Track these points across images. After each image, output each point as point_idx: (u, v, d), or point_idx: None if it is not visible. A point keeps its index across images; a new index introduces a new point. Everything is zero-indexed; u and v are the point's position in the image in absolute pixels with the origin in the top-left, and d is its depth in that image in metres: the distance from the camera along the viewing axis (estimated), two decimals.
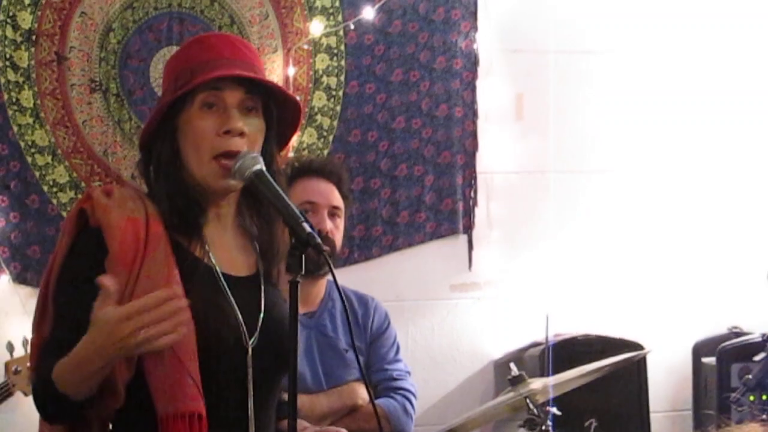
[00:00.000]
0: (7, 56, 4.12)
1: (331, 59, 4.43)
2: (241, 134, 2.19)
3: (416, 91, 4.51)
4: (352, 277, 4.01)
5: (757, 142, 4.84)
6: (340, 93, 4.44)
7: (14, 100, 4.13)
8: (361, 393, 3.31)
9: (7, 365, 3.63)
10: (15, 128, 4.14)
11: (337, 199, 3.37)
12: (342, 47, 4.43)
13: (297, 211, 2.08)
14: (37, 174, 4.16)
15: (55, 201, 4.17)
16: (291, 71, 4.35)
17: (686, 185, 4.78)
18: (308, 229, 2.03)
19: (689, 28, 4.77)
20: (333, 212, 3.35)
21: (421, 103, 4.52)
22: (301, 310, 2.95)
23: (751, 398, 3.96)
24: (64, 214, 4.10)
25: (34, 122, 4.15)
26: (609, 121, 4.73)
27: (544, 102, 4.67)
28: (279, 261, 2.30)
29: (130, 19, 4.22)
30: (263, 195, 2.15)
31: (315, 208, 3.31)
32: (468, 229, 4.59)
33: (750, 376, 3.90)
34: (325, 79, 4.42)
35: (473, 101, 4.58)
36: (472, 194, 4.59)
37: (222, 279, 2.20)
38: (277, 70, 4.32)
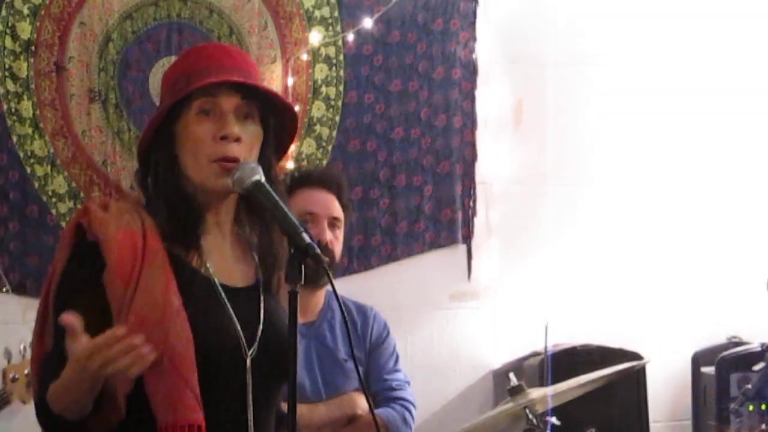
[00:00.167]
0: (7, 66, 4.12)
1: (330, 69, 4.43)
2: (238, 140, 2.19)
3: (415, 100, 4.52)
4: (351, 287, 4.00)
5: (756, 152, 4.85)
6: (339, 103, 4.45)
7: (13, 110, 4.14)
8: (361, 403, 3.31)
9: (4, 373, 3.62)
10: (14, 138, 4.14)
11: (337, 210, 3.36)
12: (341, 57, 4.44)
13: (296, 221, 2.07)
14: (36, 184, 4.17)
15: (54, 211, 4.17)
16: (290, 81, 4.36)
17: (685, 194, 4.78)
18: (307, 239, 2.03)
19: (687, 39, 4.78)
20: (333, 223, 3.34)
21: (420, 113, 4.52)
22: (301, 320, 2.95)
23: (751, 408, 3.95)
24: (63, 224, 4.11)
25: (33, 132, 4.16)
26: (607, 130, 4.74)
27: (542, 111, 4.68)
28: (278, 270, 2.29)
29: (129, 30, 4.23)
30: (263, 205, 2.14)
31: (315, 218, 3.31)
32: (467, 238, 4.59)
33: (749, 386, 3.90)
34: (324, 89, 4.43)
35: (472, 111, 4.58)
36: (471, 204, 4.60)
37: (220, 290, 2.20)
38: (276, 80, 4.33)
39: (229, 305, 2.19)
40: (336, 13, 4.42)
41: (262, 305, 2.25)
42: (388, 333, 3.50)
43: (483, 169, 4.60)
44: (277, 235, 2.26)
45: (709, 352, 4.61)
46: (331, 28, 4.42)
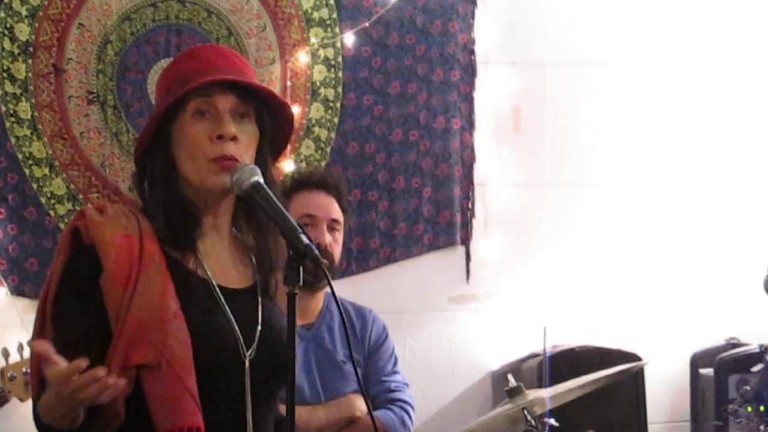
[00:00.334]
0: (5, 68, 4.12)
1: (329, 71, 4.43)
2: (234, 139, 2.18)
3: (414, 103, 4.52)
4: (349, 289, 4.01)
5: (754, 155, 4.85)
6: (338, 105, 4.45)
7: (12, 111, 4.14)
8: (359, 405, 3.31)
9: (2, 371, 3.61)
10: (12, 140, 4.14)
11: (337, 213, 3.36)
12: (339, 59, 4.44)
13: (295, 223, 2.07)
14: (35, 186, 4.17)
15: (52, 213, 4.17)
16: (289, 83, 4.36)
17: (683, 197, 4.78)
18: (306, 241, 2.03)
19: (686, 40, 4.78)
20: (332, 226, 3.34)
21: (418, 116, 4.53)
22: (299, 323, 2.95)
23: (749, 409, 3.95)
24: (62, 226, 4.10)
25: (31, 134, 4.16)
26: (606, 133, 4.74)
27: (541, 114, 4.68)
28: (275, 273, 2.29)
29: (127, 32, 4.23)
30: (261, 207, 2.14)
31: (314, 221, 3.30)
32: (466, 240, 4.59)
33: (748, 388, 3.90)
34: (322, 90, 4.43)
35: (471, 113, 4.58)
36: (470, 206, 4.60)
37: (218, 292, 2.20)
38: (275, 81, 4.33)
39: (227, 307, 2.19)
40: (335, 15, 4.42)
41: (260, 307, 2.25)
42: (387, 335, 3.50)
43: (481, 172, 4.60)
44: (274, 237, 2.26)
45: (707, 354, 4.61)
46: (329, 29, 4.43)
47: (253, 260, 2.30)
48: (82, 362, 1.92)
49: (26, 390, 3.51)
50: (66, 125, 4.19)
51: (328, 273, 2.07)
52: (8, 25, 4.13)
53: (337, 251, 3.36)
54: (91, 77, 4.21)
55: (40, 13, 4.15)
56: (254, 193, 2.13)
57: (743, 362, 4.32)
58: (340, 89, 4.45)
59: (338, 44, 4.44)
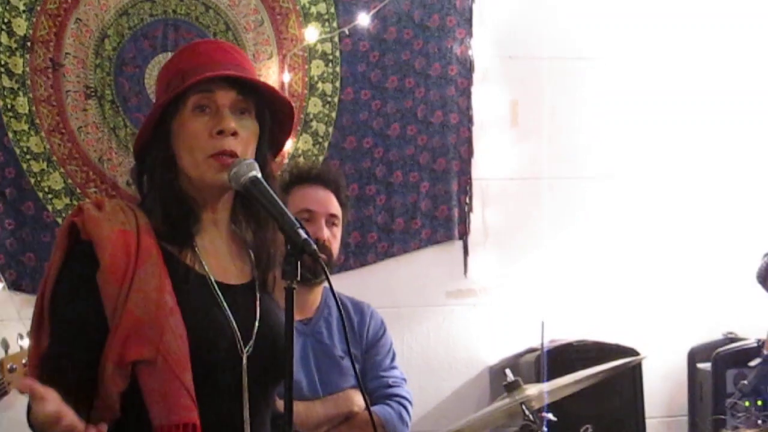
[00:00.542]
0: (2, 63, 4.12)
1: (327, 66, 4.43)
2: (234, 134, 2.18)
3: (411, 97, 4.52)
4: (347, 284, 4.01)
5: (751, 148, 4.85)
6: (336, 99, 4.44)
7: (9, 106, 4.13)
8: (357, 400, 3.31)
9: (2, 363, 3.61)
10: (10, 135, 4.14)
11: (335, 208, 3.36)
12: (337, 54, 4.44)
13: (293, 218, 2.07)
14: (33, 181, 4.16)
15: (50, 208, 4.17)
16: (286, 77, 4.36)
17: (680, 191, 4.78)
18: (304, 235, 2.03)
19: (683, 34, 4.78)
20: (330, 220, 3.34)
21: (416, 110, 4.52)
22: (297, 317, 2.95)
23: (747, 404, 3.96)
24: (60, 220, 4.10)
25: (29, 129, 4.15)
26: (603, 127, 4.74)
27: (538, 108, 4.68)
28: (273, 268, 2.29)
29: (125, 26, 4.23)
30: (259, 202, 2.14)
31: (313, 216, 3.30)
32: (463, 235, 4.59)
33: (745, 382, 3.91)
34: (320, 85, 4.43)
35: (468, 108, 4.58)
36: (468, 201, 4.60)
37: (216, 287, 2.20)
38: (272, 76, 4.32)
39: (224, 303, 2.18)
40: (332, 10, 4.42)
41: (258, 303, 2.25)
42: (385, 330, 3.50)
43: (479, 166, 4.60)
44: (272, 233, 2.26)
45: (705, 348, 4.62)
46: (327, 24, 4.42)
47: (252, 256, 2.30)
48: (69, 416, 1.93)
49: None
50: (64, 120, 4.19)
51: (326, 268, 2.07)
52: (6, 20, 4.12)
53: (335, 246, 3.35)
54: (89, 72, 4.21)
55: (38, 8, 4.15)
56: (252, 188, 2.13)
57: (741, 357, 4.32)
58: (337, 84, 4.45)
59: (336, 39, 4.43)
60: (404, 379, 3.47)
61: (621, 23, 4.72)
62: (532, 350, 4.39)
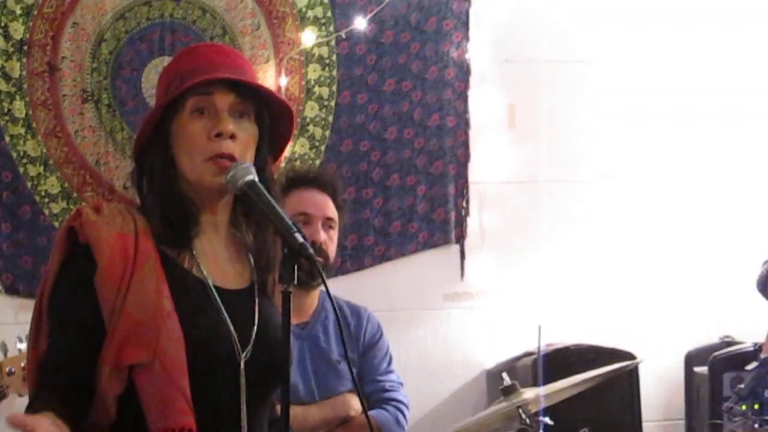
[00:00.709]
0: None
1: (323, 69, 4.43)
2: (233, 137, 2.17)
3: (408, 101, 4.52)
4: (344, 287, 4.00)
5: (749, 151, 4.86)
6: (332, 103, 4.45)
7: (6, 110, 4.13)
8: (354, 404, 3.30)
9: (0, 366, 3.61)
10: (7, 138, 4.14)
11: (332, 211, 3.36)
12: (334, 57, 4.44)
13: (289, 222, 2.07)
14: (29, 184, 4.16)
15: (47, 211, 4.17)
16: (283, 81, 4.36)
17: (678, 195, 4.79)
18: (300, 239, 2.02)
19: (680, 37, 4.78)
20: (327, 224, 3.34)
21: (413, 113, 4.53)
22: (294, 321, 2.95)
23: (743, 408, 3.95)
24: (56, 224, 4.10)
25: (26, 132, 4.15)
26: (601, 130, 4.74)
27: (536, 111, 4.68)
28: (272, 272, 2.29)
29: (122, 30, 4.23)
30: (256, 205, 2.14)
31: (309, 219, 3.30)
32: (460, 238, 4.60)
33: (742, 386, 3.90)
34: (317, 89, 4.43)
35: (465, 111, 4.58)
36: (465, 204, 4.60)
37: (214, 291, 2.19)
38: (269, 80, 4.32)
39: (222, 307, 2.18)
40: (329, 13, 4.42)
41: (256, 307, 2.24)
42: (382, 334, 3.49)
43: (476, 170, 4.60)
44: (270, 236, 2.25)
45: (702, 352, 4.62)
46: (324, 28, 4.42)
47: (251, 260, 2.30)
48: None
49: (24, 385, 3.49)
50: (60, 123, 4.19)
51: (323, 271, 2.07)
52: (3, 24, 4.12)
53: (332, 249, 3.35)
54: (86, 75, 4.21)
55: (35, 12, 4.15)
56: (249, 191, 2.13)
57: (738, 360, 4.32)
58: (334, 87, 4.45)
59: (332, 42, 4.44)
60: (401, 383, 3.46)
61: (618, 26, 4.73)
62: (529, 354, 4.39)
